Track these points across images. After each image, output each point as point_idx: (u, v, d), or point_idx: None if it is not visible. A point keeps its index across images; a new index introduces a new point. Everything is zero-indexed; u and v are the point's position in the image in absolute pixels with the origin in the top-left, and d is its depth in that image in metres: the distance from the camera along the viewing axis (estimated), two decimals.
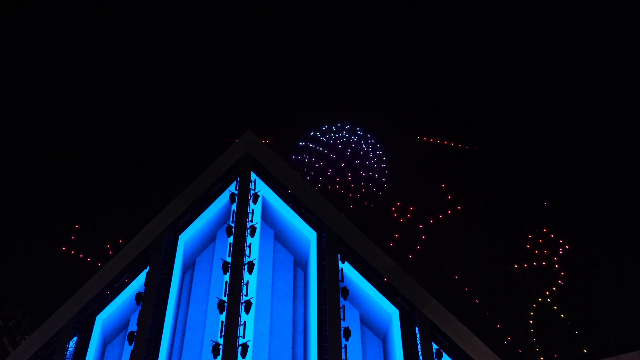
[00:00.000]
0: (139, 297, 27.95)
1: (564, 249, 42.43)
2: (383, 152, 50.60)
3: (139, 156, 47.98)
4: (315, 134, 51.29)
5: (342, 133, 51.24)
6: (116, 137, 48.79)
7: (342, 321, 26.48)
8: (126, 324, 30.25)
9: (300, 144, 50.63)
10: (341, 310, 26.80)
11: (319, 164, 49.68)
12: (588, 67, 48.80)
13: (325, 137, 51.13)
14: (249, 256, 27.91)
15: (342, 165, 49.06)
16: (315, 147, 50.60)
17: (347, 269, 28.94)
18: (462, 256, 42.39)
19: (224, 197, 30.96)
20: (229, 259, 27.71)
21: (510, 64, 52.17)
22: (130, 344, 26.55)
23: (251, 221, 29.01)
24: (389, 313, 28.67)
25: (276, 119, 51.35)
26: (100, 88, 50.20)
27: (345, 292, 27.45)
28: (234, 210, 29.32)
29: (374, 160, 49.92)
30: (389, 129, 52.30)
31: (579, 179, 45.85)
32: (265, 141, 46.05)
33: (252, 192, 29.92)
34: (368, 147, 50.62)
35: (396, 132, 52.49)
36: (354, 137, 51.46)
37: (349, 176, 48.54)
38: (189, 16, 53.70)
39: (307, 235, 30.50)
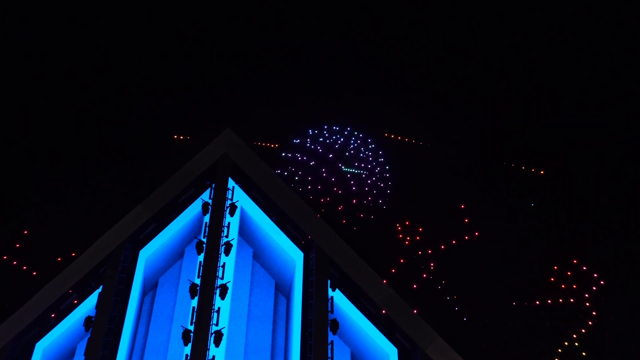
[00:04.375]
0: (88, 322, 27.72)
1: (598, 285, 42.58)
2: (385, 159, 50.73)
3: (98, 155, 47.89)
4: (306, 137, 51.33)
5: (336, 136, 51.31)
6: (72, 131, 48.73)
7: None
8: (72, 353, 30.19)
9: (288, 150, 50.65)
10: (329, 347, 26.67)
11: (310, 171, 49.66)
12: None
13: (319, 140, 51.16)
14: (222, 278, 27.84)
15: (334, 176, 49.03)
16: (310, 147, 50.63)
17: (338, 297, 29.00)
18: (476, 288, 42.45)
19: (196, 207, 31.02)
20: (198, 281, 27.65)
21: (543, 59, 53.02)
22: None
23: (226, 237, 29.01)
24: (386, 352, 28.66)
25: (262, 116, 51.39)
26: (51, 79, 50.36)
27: (335, 326, 27.40)
28: (206, 223, 29.38)
29: (376, 170, 49.98)
30: (392, 133, 52.52)
31: (622, 200, 46.19)
32: (250, 142, 46.29)
33: (229, 201, 29.93)
34: (367, 153, 50.69)
35: (404, 137, 52.70)
36: (354, 143, 51.54)
37: (340, 188, 48.54)
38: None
39: (292, 255, 30.56)
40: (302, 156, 50.11)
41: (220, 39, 55.69)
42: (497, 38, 54.46)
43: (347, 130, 52.01)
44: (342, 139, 51.35)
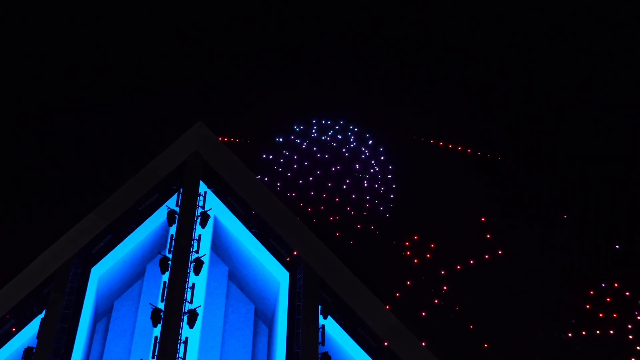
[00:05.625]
0: (28, 354, 27.41)
1: None
2: (387, 158, 50.65)
3: (41, 154, 47.77)
4: (293, 134, 51.30)
5: (329, 132, 51.28)
6: (10, 128, 48.69)
7: None
8: None
9: (272, 149, 50.56)
10: None
11: (297, 173, 49.56)
12: None
13: (307, 137, 51.12)
14: (191, 302, 27.70)
15: (326, 179, 48.91)
16: (298, 145, 50.60)
17: (330, 326, 28.84)
18: (496, 317, 42.28)
19: (159, 216, 30.93)
20: (161, 305, 27.45)
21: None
22: None
23: (197, 252, 28.81)
24: None
25: (242, 108, 51.57)
26: None
27: None
28: (172, 236, 29.22)
29: (375, 169, 49.85)
30: (397, 130, 52.51)
31: None
32: (224, 138, 46.00)
33: (199, 210, 29.78)
34: (365, 152, 50.64)
35: (412, 134, 52.67)
36: (353, 142, 51.50)
37: (334, 194, 48.39)
38: None
39: (275, 275, 30.52)
40: (288, 156, 50.01)
41: (191, 28, 56.08)
42: (505, 29, 55.27)
43: (340, 124, 51.96)
44: (335, 135, 51.27)
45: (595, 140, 51.04)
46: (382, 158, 50.78)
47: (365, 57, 55.79)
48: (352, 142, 51.59)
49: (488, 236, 45.75)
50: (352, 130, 51.95)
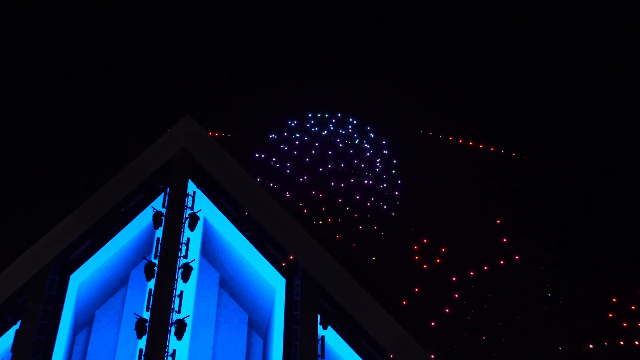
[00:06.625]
0: None
1: None
2: (390, 152, 50.72)
3: (19, 152, 47.80)
4: (288, 129, 51.37)
5: (328, 126, 51.41)
6: None
7: None
8: None
9: (266, 146, 50.64)
10: None
11: (294, 171, 49.64)
12: None
13: (303, 133, 51.20)
14: (179, 312, 27.76)
15: (325, 177, 48.97)
16: (294, 141, 50.69)
17: (330, 337, 28.89)
18: (511, 327, 42.38)
19: (145, 218, 30.97)
20: (147, 315, 27.52)
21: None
22: None
23: (185, 257, 28.92)
24: None
25: (234, 101, 51.58)
26: None
27: None
28: (158, 239, 29.25)
29: (377, 165, 49.94)
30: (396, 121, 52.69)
31: None
32: (215, 134, 46.08)
33: (188, 211, 29.86)
34: (366, 146, 50.75)
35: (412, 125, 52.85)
36: (353, 135, 51.59)
37: (335, 193, 48.41)
38: None
39: (271, 282, 30.59)
40: (284, 153, 50.10)
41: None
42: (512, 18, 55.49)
43: (337, 117, 52.07)
44: (334, 129, 51.37)
45: (624, 137, 51.03)
46: (385, 152, 50.79)
47: (363, 52, 55.96)
48: (353, 136, 51.65)
49: (504, 240, 45.82)
50: (352, 123, 52.03)
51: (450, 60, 55.36)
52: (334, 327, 29.16)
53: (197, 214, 29.85)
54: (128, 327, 29.81)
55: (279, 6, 56.69)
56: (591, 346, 41.64)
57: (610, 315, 42.46)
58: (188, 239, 29.44)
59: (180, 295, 28.01)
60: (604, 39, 53.75)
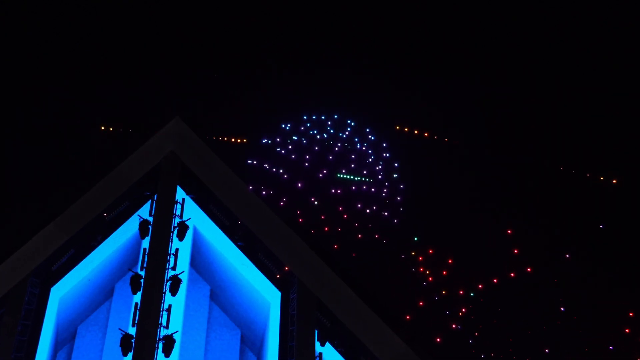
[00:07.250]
0: None
1: None
2: (391, 156, 50.76)
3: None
4: (283, 133, 51.45)
5: (325, 129, 51.44)
6: None
7: None
8: None
9: (260, 151, 50.67)
10: None
11: (290, 177, 49.67)
12: None
13: (299, 136, 51.28)
14: (167, 327, 27.63)
15: (323, 183, 49.03)
16: (289, 145, 50.73)
17: (328, 354, 28.81)
18: (522, 344, 42.34)
19: (130, 228, 30.88)
20: (132, 331, 27.35)
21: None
22: None
23: (173, 269, 28.80)
24: None
25: (226, 103, 51.65)
26: None
27: None
28: (145, 250, 29.15)
29: (378, 169, 49.97)
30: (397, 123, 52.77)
31: None
32: (205, 137, 45.97)
33: (177, 219, 29.78)
34: (367, 150, 50.80)
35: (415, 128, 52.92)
36: (350, 137, 51.66)
37: (333, 201, 48.40)
38: None
39: (265, 296, 30.53)
40: (279, 158, 50.14)
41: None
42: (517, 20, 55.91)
43: (335, 119, 52.11)
44: (331, 132, 51.43)
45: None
46: (386, 155, 50.81)
47: (362, 52, 56.29)
48: (352, 138, 51.70)
49: (515, 251, 45.79)
50: (350, 125, 52.09)
51: (450, 60, 55.66)
52: (332, 344, 29.07)
53: (186, 222, 29.78)
54: (112, 343, 29.70)
55: (279, 6, 57.03)
56: None
57: (627, 330, 42.42)
58: (177, 250, 29.32)
59: (169, 310, 27.88)
60: (604, 38, 54.13)
